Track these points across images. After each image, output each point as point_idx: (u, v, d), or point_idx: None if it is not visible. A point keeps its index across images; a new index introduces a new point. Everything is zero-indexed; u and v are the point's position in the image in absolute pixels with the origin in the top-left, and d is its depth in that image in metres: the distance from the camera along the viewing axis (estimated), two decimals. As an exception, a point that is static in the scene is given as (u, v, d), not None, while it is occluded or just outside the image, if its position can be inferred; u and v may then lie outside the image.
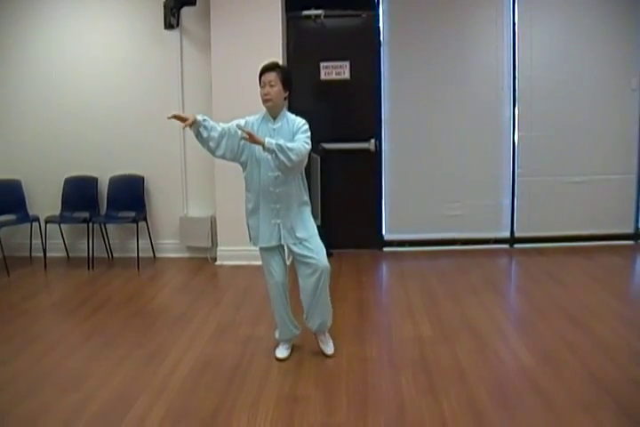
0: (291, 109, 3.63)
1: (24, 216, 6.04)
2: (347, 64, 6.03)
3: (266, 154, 3.35)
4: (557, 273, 5.29)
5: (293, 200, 3.50)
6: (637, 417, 2.86)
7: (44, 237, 6.04)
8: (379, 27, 6.05)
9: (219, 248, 5.93)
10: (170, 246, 6.22)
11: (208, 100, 5.68)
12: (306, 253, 3.48)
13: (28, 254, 6.16)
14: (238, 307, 4.64)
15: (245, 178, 3.54)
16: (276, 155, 3.27)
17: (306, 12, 6.00)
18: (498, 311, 4.41)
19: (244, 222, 3.63)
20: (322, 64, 6.05)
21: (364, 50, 6.07)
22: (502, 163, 6.18)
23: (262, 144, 3.25)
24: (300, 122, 3.48)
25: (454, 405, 3.02)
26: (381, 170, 6.22)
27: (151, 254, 6.15)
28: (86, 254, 5.90)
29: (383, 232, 6.32)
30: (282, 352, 3.68)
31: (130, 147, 6.10)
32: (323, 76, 6.07)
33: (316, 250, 3.50)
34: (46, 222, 5.96)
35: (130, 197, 6.03)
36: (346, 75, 6.06)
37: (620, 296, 4.69)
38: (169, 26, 5.86)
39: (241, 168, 3.56)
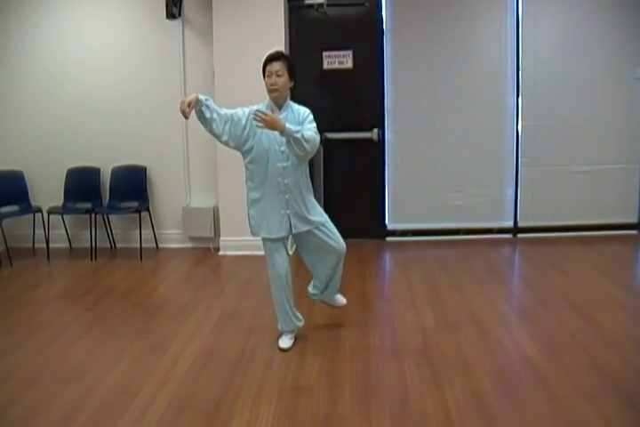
0: (293, 99, 3.61)
1: (27, 207, 6.04)
2: (349, 53, 5.99)
3: (274, 144, 3.37)
4: (561, 263, 5.28)
5: (301, 189, 3.50)
6: (641, 407, 2.87)
7: (46, 228, 6.04)
8: (381, 15, 6.00)
9: (221, 238, 5.93)
10: (172, 237, 6.22)
11: (210, 90, 5.63)
12: (326, 238, 3.55)
13: (30, 245, 6.16)
14: (241, 297, 4.65)
15: (247, 166, 3.50)
16: (290, 143, 3.27)
17: (308, 1, 5.94)
18: (501, 301, 4.41)
19: (247, 212, 3.62)
20: (324, 53, 6.00)
21: (366, 39, 6.02)
22: (505, 152, 6.15)
23: (281, 130, 3.23)
24: (304, 111, 3.48)
25: (458, 394, 3.02)
26: (384, 159, 6.19)
27: (154, 245, 6.15)
28: (89, 245, 5.91)
29: (386, 222, 6.30)
30: (285, 342, 3.68)
31: (132, 137, 6.09)
32: (325, 66, 6.03)
33: (336, 235, 3.60)
34: (49, 213, 5.96)
35: (132, 187, 6.02)
36: (349, 64, 6.02)
37: (624, 286, 4.68)
38: (171, 15, 5.82)
39: (242, 156, 3.53)
